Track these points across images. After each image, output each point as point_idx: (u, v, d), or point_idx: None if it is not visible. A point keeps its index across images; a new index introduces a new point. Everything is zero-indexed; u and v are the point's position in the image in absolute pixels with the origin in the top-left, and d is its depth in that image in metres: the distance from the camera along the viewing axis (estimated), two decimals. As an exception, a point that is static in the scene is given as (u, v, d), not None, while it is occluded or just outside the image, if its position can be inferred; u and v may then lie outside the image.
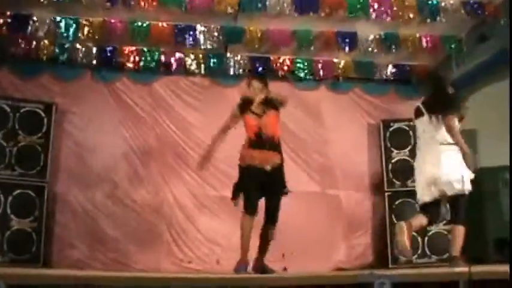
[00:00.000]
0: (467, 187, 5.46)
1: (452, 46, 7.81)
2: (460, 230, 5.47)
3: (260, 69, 8.18)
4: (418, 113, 5.79)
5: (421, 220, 5.57)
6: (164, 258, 7.71)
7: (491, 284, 3.86)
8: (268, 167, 5.76)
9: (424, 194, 5.59)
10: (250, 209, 5.67)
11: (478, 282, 3.90)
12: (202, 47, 7.79)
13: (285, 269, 7.36)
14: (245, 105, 5.92)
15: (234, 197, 5.83)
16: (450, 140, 5.48)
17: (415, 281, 4.21)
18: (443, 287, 4.11)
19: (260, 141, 5.81)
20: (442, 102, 5.63)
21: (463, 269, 4.34)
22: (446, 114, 5.47)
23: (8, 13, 7.33)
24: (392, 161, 8.07)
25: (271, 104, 5.92)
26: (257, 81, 5.98)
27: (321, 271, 7.03)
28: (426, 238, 7.76)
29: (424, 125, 5.70)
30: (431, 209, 5.60)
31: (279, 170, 5.88)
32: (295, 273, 6.26)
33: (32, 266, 6.86)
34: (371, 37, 7.84)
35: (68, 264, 7.36)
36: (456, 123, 5.54)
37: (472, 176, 5.51)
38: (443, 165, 5.46)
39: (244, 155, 5.87)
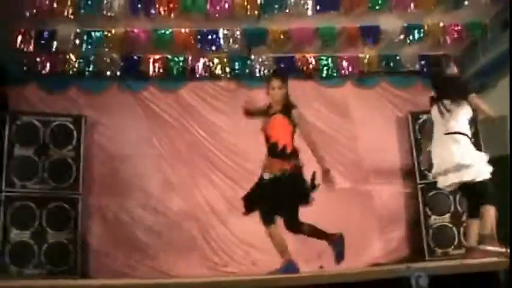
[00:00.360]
0: (482, 173, 5.43)
1: (477, 33, 7.71)
2: (489, 211, 5.39)
3: (285, 68, 8.16)
4: (432, 103, 5.81)
5: None
6: (199, 263, 7.75)
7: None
8: (269, 175, 5.56)
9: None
10: (265, 221, 5.54)
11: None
12: (225, 50, 7.83)
13: (321, 267, 7.33)
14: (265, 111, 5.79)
15: (247, 211, 5.69)
16: (459, 129, 5.54)
17: (452, 273, 4.17)
18: (482, 278, 4.07)
19: (270, 147, 5.64)
20: (452, 89, 5.59)
21: (502, 259, 4.29)
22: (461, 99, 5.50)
23: (33, 30, 7.46)
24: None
25: (286, 106, 5.70)
26: (276, 79, 5.80)
27: (357, 267, 6.98)
28: (462, 229, 7.66)
29: (436, 113, 5.73)
30: None
31: (288, 178, 5.58)
32: (330, 271, 6.23)
33: (70, 278, 6.95)
34: (394, 29, 7.76)
35: (105, 274, 7.42)
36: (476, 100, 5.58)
37: (486, 158, 5.52)
38: (454, 154, 5.47)
39: (264, 164, 5.68)
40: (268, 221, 5.52)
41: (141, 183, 8.02)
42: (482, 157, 5.56)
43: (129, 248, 7.72)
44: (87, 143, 7.78)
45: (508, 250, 5.10)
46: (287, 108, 5.66)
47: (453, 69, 5.92)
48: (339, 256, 5.88)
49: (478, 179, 5.43)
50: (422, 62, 8.33)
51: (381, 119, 8.48)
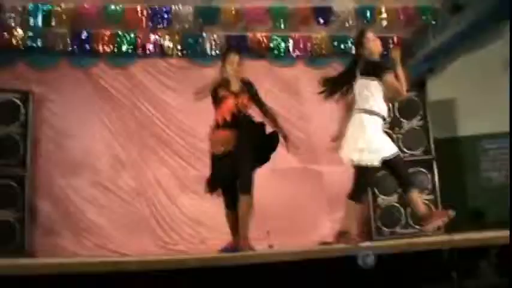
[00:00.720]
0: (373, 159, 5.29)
1: (428, 17, 7.81)
2: (413, 195, 5.34)
3: (237, 47, 8.13)
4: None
5: None
6: (150, 242, 7.73)
7: (472, 253, 3.92)
8: (223, 150, 5.56)
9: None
10: (230, 206, 5.62)
11: (460, 250, 3.96)
12: (177, 28, 7.76)
13: (270, 246, 7.37)
14: (218, 89, 5.71)
15: (211, 191, 5.68)
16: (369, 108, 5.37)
17: (398, 252, 4.26)
18: (426, 256, 4.17)
19: (236, 121, 5.61)
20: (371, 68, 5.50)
21: (446, 237, 4.40)
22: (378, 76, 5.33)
23: (-22, 1, 7.25)
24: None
25: (245, 83, 5.77)
26: (235, 55, 5.81)
27: (306, 246, 7.06)
28: (409, 209, 7.80)
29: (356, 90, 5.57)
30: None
31: (253, 129, 5.67)
32: (281, 250, 6.29)
33: (16, 257, 6.81)
34: (347, 11, 7.82)
35: (53, 253, 7.33)
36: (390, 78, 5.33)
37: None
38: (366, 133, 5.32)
39: (216, 139, 5.66)
40: (231, 206, 5.59)
41: (91, 161, 7.92)
42: (387, 137, 5.51)
43: (78, 227, 7.64)
44: (35, 120, 7.61)
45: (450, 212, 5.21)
46: (249, 85, 5.79)
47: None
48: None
49: (376, 163, 5.31)
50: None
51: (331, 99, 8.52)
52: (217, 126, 5.66)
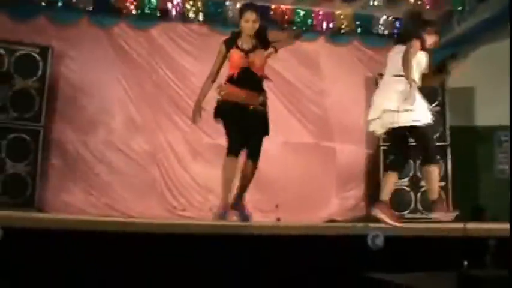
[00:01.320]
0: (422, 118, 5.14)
1: (455, 2, 7.72)
2: (433, 171, 5.28)
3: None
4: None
5: None
6: (158, 205, 7.76)
7: (485, 243, 3.90)
8: (251, 107, 5.47)
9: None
10: (233, 149, 5.43)
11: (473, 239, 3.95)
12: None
13: (278, 219, 7.39)
14: (233, 41, 5.57)
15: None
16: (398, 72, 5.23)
17: (408, 235, 4.26)
18: (436, 243, 4.16)
19: (244, 78, 5.47)
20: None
21: (458, 225, 4.37)
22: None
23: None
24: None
25: (263, 41, 5.54)
26: (250, 12, 5.51)
27: (314, 222, 7.07)
28: (419, 194, 7.79)
29: (389, 56, 5.53)
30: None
31: (262, 111, 5.57)
32: (287, 223, 6.29)
33: (26, 210, 6.86)
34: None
35: (62, 209, 7.40)
36: (415, 48, 5.19)
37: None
38: (393, 96, 5.19)
39: (225, 89, 5.54)
40: (234, 150, 5.44)
41: (105, 120, 7.92)
42: (424, 104, 5.28)
43: (88, 185, 7.69)
44: (52, 75, 7.61)
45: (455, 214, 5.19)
46: (265, 42, 5.53)
47: None
48: None
49: (417, 124, 5.13)
50: (398, 25, 8.33)
51: (350, 77, 8.49)
52: (231, 80, 5.53)
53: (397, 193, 7.73)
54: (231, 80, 5.52)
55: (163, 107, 8.11)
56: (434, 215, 5.25)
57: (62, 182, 7.63)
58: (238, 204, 5.50)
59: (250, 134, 5.49)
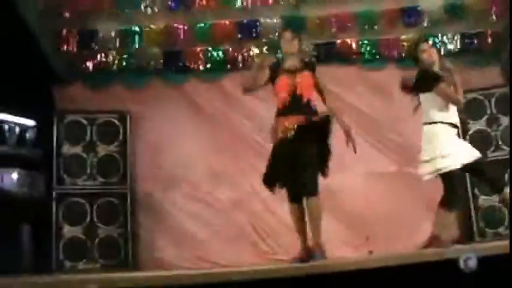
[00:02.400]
0: (449, 164, 5.27)
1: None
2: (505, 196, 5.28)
3: (326, 54, 8.13)
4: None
5: None
6: (249, 252, 7.78)
7: None
8: (288, 133, 5.10)
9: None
10: (295, 198, 5.16)
11: None
12: (265, 40, 7.84)
13: (370, 252, 7.29)
14: (275, 69, 5.34)
15: (269, 186, 5.36)
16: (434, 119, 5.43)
17: (502, 254, 4.11)
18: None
19: (294, 104, 5.17)
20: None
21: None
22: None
23: (75, 30, 7.62)
24: (470, 132, 7.81)
25: (306, 63, 5.40)
26: (288, 32, 5.43)
27: (405, 251, 6.93)
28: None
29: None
30: None
31: (308, 131, 5.12)
32: (379, 255, 6.19)
33: (121, 271, 7.07)
34: (435, 9, 7.69)
35: (156, 266, 7.56)
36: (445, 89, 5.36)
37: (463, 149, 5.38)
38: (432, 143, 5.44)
39: (275, 128, 5.25)
40: (296, 198, 5.14)
41: (188, 174, 8.08)
42: (464, 145, 5.49)
43: (178, 240, 7.83)
44: (132, 138, 7.91)
45: None
46: (310, 64, 5.42)
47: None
48: None
49: (453, 167, 5.26)
50: (466, 41, 8.20)
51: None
52: (278, 112, 5.27)
53: (490, 210, 7.56)
54: (283, 108, 5.24)
55: (243, 154, 8.19)
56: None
57: (152, 239, 7.82)
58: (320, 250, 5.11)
59: (301, 162, 5.08)
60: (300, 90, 5.21)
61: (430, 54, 5.57)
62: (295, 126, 5.13)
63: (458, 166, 5.27)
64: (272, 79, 5.37)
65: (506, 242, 4.46)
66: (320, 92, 5.43)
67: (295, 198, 5.18)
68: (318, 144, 5.15)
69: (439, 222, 5.48)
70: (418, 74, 5.60)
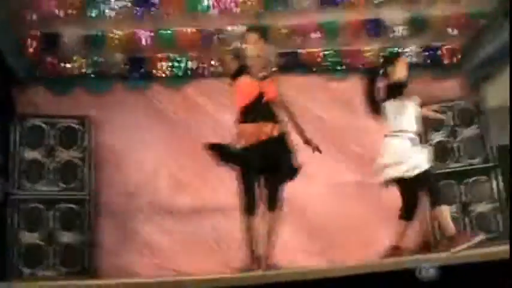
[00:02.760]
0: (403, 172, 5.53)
1: (481, 22, 7.67)
2: (446, 212, 5.55)
3: (289, 63, 8.16)
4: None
5: None
6: (209, 261, 7.73)
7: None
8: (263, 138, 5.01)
9: None
10: (247, 208, 5.11)
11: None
12: (229, 48, 7.84)
13: (328, 261, 7.34)
14: (238, 75, 5.27)
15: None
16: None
17: (459, 263, 4.18)
18: (489, 268, 4.08)
19: (260, 111, 5.11)
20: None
21: (506, 247, 4.30)
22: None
23: (38, 33, 7.52)
24: (432, 143, 7.89)
25: (271, 69, 5.35)
26: (253, 33, 5.34)
27: (363, 260, 6.99)
28: (470, 218, 7.67)
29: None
30: None
31: (279, 143, 5.14)
32: (338, 264, 6.24)
33: (81, 278, 6.99)
34: (398, 22, 7.77)
35: (115, 273, 7.45)
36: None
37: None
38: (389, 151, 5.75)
39: (239, 134, 5.20)
40: (252, 209, 5.08)
41: (149, 181, 8.04)
42: (421, 155, 5.70)
43: (139, 247, 7.77)
44: (94, 143, 7.82)
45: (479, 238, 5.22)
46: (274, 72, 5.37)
47: None
48: None
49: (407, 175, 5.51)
50: (426, 54, 8.33)
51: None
52: (241, 119, 5.21)
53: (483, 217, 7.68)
54: (243, 115, 5.20)
55: (206, 162, 8.14)
56: (457, 249, 5.17)
57: (113, 246, 7.72)
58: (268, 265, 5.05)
59: (266, 175, 5.12)
60: (267, 96, 5.16)
61: (403, 69, 5.87)
62: (265, 135, 5.07)
63: (413, 175, 5.46)
64: (234, 80, 5.31)
65: (506, 247, 4.56)
66: (282, 105, 5.45)
67: (251, 209, 5.11)
68: (286, 155, 5.16)
69: (398, 232, 5.59)
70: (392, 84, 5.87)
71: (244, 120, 5.19)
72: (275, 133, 5.12)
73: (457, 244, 5.17)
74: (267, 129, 5.12)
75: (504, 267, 3.90)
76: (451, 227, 5.40)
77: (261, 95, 5.16)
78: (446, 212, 5.50)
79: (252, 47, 5.26)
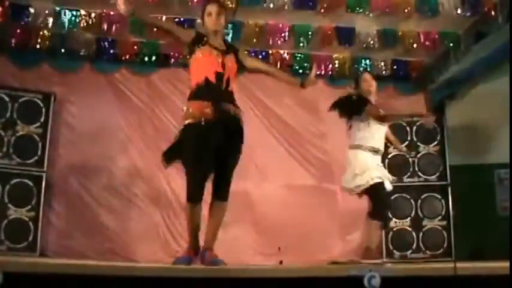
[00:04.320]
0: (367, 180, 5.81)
1: (451, 42, 7.82)
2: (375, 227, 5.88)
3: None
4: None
5: None
6: (160, 250, 7.74)
7: (478, 281, 3.90)
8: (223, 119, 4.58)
9: None
10: (197, 196, 4.66)
11: (466, 278, 3.95)
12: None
13: (280, 262, 7.38)
14: (195, 45, 4.76)
15: (168, 161, 4.94)
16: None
17: (404, 276, 4.24)
18: (433, 282, 4.15)
19: (216, 87, 4.65)
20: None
21: (449, 265, 4.39)
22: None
23: (7, 2, 7.35)
24: (389, 156, 7.98)
25: (230, 45, 4.96)
26: (212, 4, 4.80)
27: (314, 264, 7.05)
28: (421, 233, 7.80)
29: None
30: None
31: (237, 127, 4.76)
32: (288, 266, 6.27)
33: (28, 255, 6.89)
34: (370, 33, 7.84)
35: (64, 254, 7.39)
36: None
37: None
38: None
39: (190, 110, 4.69)
40: (199, 197, 4.67)
41: (107, 165, 7.98)
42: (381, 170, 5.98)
43: (90, 229, 7.68)
44: (55, 121, 7.70)
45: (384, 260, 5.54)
46: (234, 47, 4.96)
47: None
48: None
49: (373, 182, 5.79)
50: (395, 67, 8.44)
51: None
52: (195, 94, 4.75)
53: (399, 233, 7.80)
54: (198, 90, 4.76)
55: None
56: (363, 262, 5.61)
57: (64, 226, 7.65)
58: (212, 257, 4.70)
59: (218, 160, 4.67)
60: (227, 73, 4.75)
61: (370, 85, 6.11)
62: (226, 117, 4.66)
63: (375, 182, 5.77)
64: (192, 50, 4.82)
65: (406, 265, 4.60)
66: (257, 62, 5.43)
67: (197, 196, 4.68)
68: (239, 144, 4.82)
69: (367, 232, 5.97)
70: (349, 98, 6.12)
71: (201, 96, 4.73)
72: (237, 114, 4.80)
73: (364, 258, 5.69)
74: (229, 108, 4.74)
75: (447, 283, 3.97)
76: (374, 242, 5.86)
77: (222, 71, 4.72)
78: (376, 226, 5.84)
79: (212, 20, 4.79)
